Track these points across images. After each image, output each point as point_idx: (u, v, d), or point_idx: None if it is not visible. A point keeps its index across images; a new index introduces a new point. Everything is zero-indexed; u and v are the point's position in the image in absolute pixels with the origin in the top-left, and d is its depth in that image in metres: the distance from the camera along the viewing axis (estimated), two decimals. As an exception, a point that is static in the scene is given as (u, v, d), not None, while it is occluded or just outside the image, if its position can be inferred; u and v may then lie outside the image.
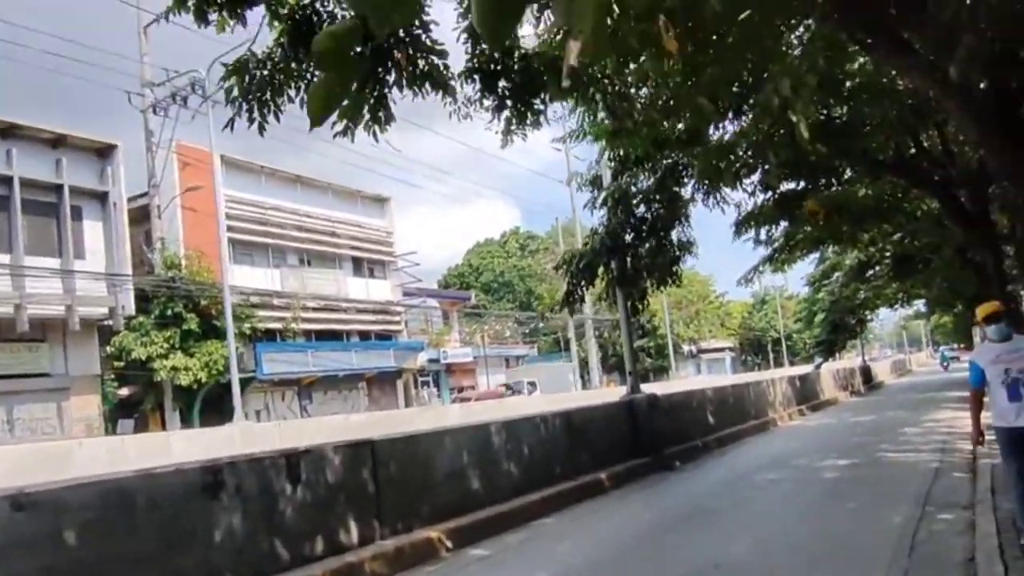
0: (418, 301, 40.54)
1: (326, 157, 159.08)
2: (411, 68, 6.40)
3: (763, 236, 17.51)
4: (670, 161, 12.33)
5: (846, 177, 14.71)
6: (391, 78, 6.49)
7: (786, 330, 77.73)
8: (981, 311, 5.68)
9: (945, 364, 52.17)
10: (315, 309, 32.88)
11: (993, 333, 5.59)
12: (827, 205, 15.63)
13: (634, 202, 12.73)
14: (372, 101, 6.68)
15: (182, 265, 26.25)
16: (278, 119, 5.93)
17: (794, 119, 4.94)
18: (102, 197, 24.42)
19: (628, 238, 13.04)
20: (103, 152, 24.53)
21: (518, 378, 44.08)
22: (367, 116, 6.77)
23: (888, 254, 22.55)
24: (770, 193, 12.69)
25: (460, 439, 8.89)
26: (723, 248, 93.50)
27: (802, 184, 13.29)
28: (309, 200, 34.31)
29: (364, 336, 36.63)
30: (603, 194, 12.59)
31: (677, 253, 14.50)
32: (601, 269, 14.25)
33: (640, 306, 15.45)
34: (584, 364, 53.75)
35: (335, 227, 35.11)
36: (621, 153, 11.03)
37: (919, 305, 44.94)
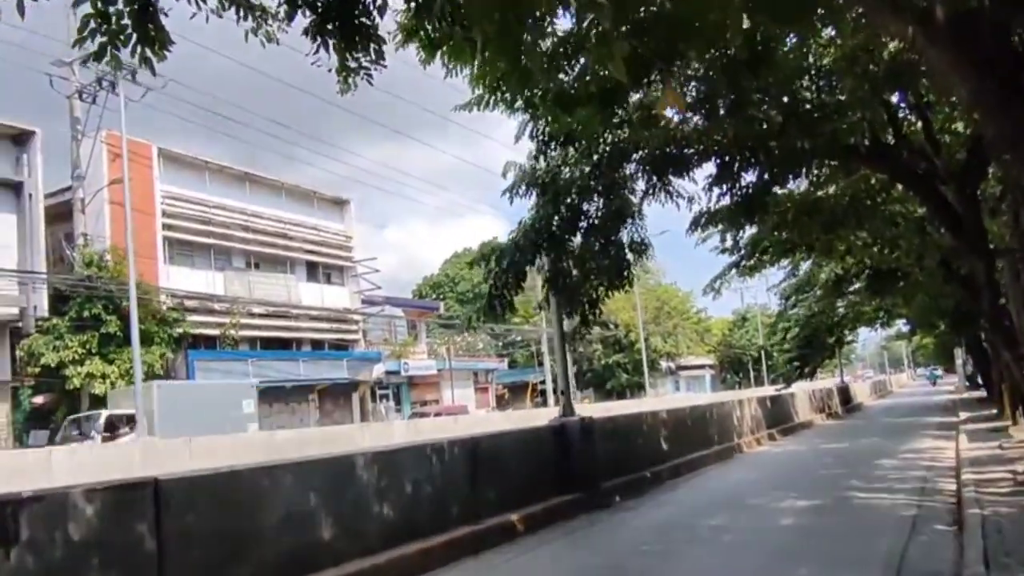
0: (377, 309, 38.44)
1: (323, 171, 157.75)
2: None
3: (728, 242, 15.73)
4: (611, 146, 10.50)
5: (816, 175, 12.94)
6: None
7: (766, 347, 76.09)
8: None
9: (933, 381, 65.02)
10: (262, 315, 30.76)
11: None
12: (797, 207, 13.87)
13: (573, 191, 10.82)
14: (135, 13, 4.81)
15: (104, 263, 24.01)
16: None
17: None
18: (16, 187, 22.36)
19: (563, 234, 11.15)
20: (19, 139, 22.48)
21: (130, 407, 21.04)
22: (132, 35, 4.91)
23: (868, 267, 20.71)
24: (726, 187, 10.86)
25: (309, 475, 6.94)
26: (706, 265, 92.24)
27: (766, 177, 11.45)
28: (259, 200, 32.27)
29: (317, 345, 34.53)
30: (527, 178, 10.68)
31: (627, 256, 12.61)
32: (537, 270, 12.39)
33: (592, 316, 13.59)
34: (556, 379, 51.89)
35: (287, 229, 33.05)
36: (543, 127, 9.22)
37: (900, 325, 43.43)
